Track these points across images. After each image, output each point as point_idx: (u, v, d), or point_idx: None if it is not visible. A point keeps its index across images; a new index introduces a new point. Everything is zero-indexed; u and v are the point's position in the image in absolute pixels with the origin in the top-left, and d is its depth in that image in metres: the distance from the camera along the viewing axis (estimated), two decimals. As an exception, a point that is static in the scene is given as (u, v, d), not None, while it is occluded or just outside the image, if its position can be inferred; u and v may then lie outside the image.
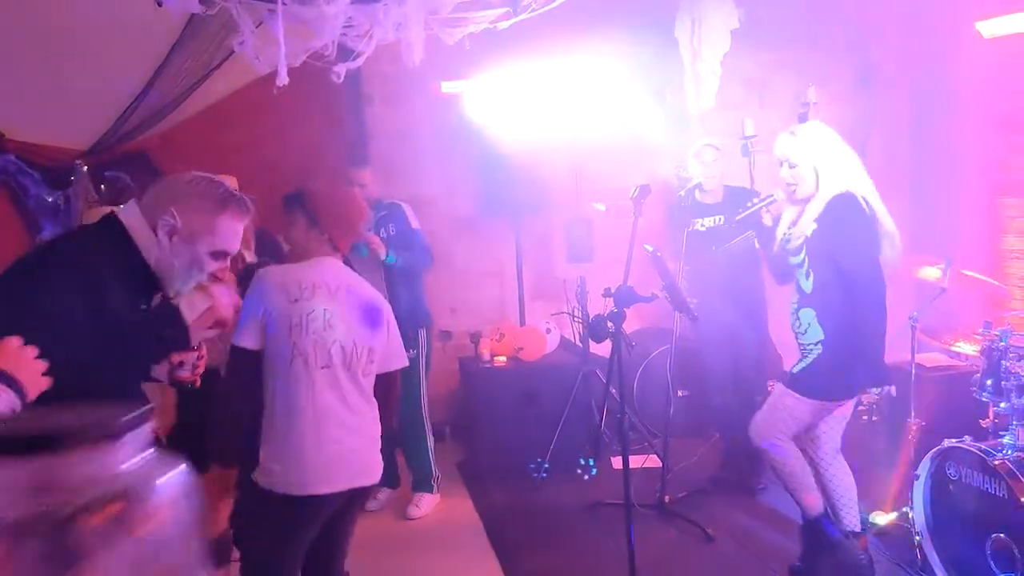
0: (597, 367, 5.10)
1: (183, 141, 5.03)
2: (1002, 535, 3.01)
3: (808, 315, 3.19)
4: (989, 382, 3.42)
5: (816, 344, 3.18)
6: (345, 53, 3.21)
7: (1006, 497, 2.98)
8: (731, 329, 4.43)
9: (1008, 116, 5.30)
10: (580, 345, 5.46)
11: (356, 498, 2.62)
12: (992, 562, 3.05)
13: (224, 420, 2.88)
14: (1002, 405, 3.30)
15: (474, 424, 5.12)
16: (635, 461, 4.02)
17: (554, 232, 5.45)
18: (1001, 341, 3.39)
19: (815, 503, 3.34)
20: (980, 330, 3.53)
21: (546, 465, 4.08)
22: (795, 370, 3.26)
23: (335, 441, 2.49)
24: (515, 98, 5.09)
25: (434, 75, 5.11)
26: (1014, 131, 5.26)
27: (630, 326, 5.45)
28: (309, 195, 2.65)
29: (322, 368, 2.50)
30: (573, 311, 5.60)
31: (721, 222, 4.45)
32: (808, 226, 3.14)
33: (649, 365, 5.41)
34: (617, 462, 4.98)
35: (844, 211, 3.08)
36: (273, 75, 3.04)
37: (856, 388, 3.31)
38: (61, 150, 4.66)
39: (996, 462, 3.02)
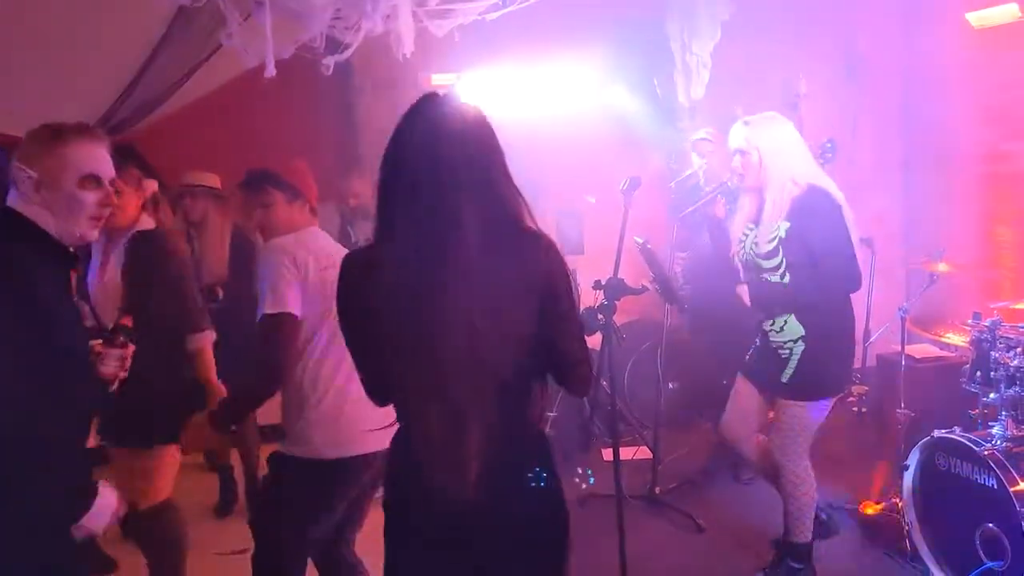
0: (588, 359, 5.09)
1: (172, 134, 5.00)
2: (991, 525, 3.02)
3: (784, 313, 3.18)
4: (978, 373, 3.44)
5: (796, 341, 3.15)
6: (334, 45, 3.20)
7: (995, 487, 3.00)
8: (726, 318, 4.43)
9: (998, 106, 5.31)
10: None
11: (377, 462, 2.58)
12: (981, 551, 3.06)
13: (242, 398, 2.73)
14: (991, 396, 3.32)
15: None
16: (626, 453, 4.03)
17: (544, 224, 5.43)
18: (990, 332, 3.41)
19: (810, 529, 3.32)
20: (969, 321, 3.55)
21: (591, 471, 4.07)
22: (785, 379, 3.20)
23: (365, 406, 2.40)
24: (505, 91, 5.08)
25: (424, 68, 5.09)
26: (1004, 121, 5.28)
27: (620, 318, 5.45)
28: (280, 171, 2.68)
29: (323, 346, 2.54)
30: (564, 304, 5.60)
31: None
32: (780, 226, 3.11)
33: (640, 357, 5.41)
34: (608, 454, 4.99)
35: (817, 206, 3.07)
36: (263, 68, 3.03)
37: (848, 377, 3.31)
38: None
39: (985, 452, 3.04)
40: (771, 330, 3.23)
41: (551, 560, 1.86)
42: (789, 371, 3.18)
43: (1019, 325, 3.46)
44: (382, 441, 2.39)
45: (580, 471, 4.08)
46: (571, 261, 5.33)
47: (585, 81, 5.16)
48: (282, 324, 2.47)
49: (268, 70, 2.93)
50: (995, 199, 5.40)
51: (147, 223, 3.02)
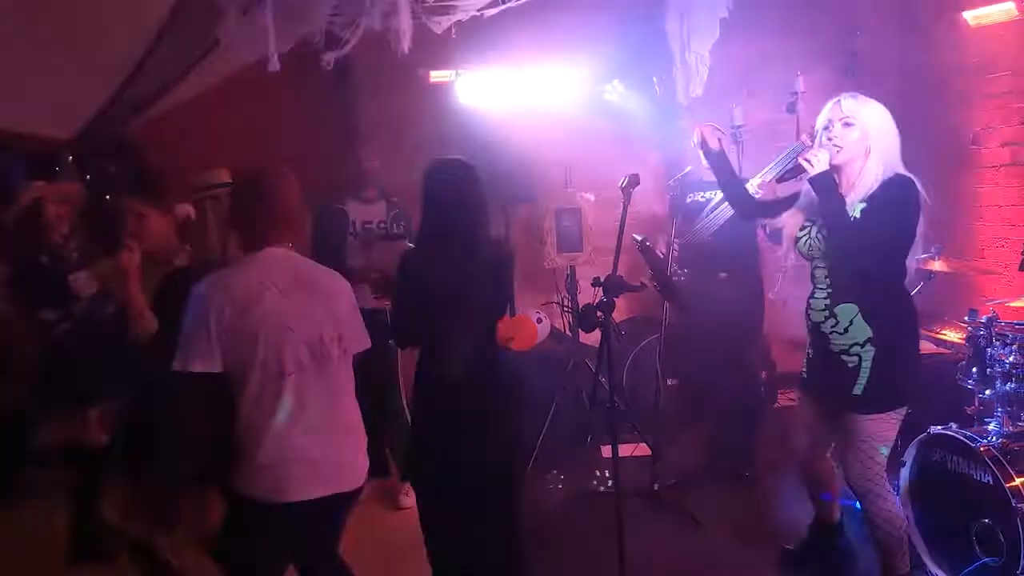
0: (587, 356, 5.11)
1: (171, 130, 5.00)
2: (987, 520, 3.04)
3: (848, 311, 2.91)
4: (974, 369, 3.46)
5: (863, 345, 2.89)
6: (333, 41, 3.20)
7: (991, 483, 3.01)
8: (726, 317, 4.44)
9: (993, 104, 5.33)
10: (570, 335, 5.47)
11: (338, 504, 2.48)
12: (977, 547, 3.08)
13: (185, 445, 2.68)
14: (987, 392, 3.34)
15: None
16: (625, 449, 4.04)
17: (543, 222, 5.45)
18: (986, 329, 3.42)
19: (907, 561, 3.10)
20: (966, 318, 3.56)
21: (608, 474, 4.01)
22: (859, 391, 2.90)
23: (308, 448, 2.36)
24: (504, 88, 5.08)
25: (422, 64, 5.10)
26: (1000, 119, 5.29)
27: (619, 316, 5.47)
28: (232, 191, 2.55)
29: (287, 375, 2.36)
30: (563, 301, 5.61)
31: (718, 195, 4.47)
32: (856, 207, 2.88)
33: (639, 354, 5.42)
34: (607, 450, 5.00)
35: (903, 193, 2.84)
36: (262, 64, 3.03)
37: (919, 385, 3.01)
38: (45, 139, 4.62)
39: (981, 448, 3.05)
40: (833, 331, 2.95)
41: (508, 409, 2.99)
42: (861, 381, 2.90)
43: (1015, 322, 3.47)
44: (329, 486, 2.40)
45: (598, 474, 4.05)
46: (570, 258, 5.40)
47: (583, 79, 5.16)
48: (181, 381, 2.33)
49: (271, 64, 2.93)
50: (992, 196, 5.41)
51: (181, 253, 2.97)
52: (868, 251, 2.83)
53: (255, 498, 2.35)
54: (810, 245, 3.03)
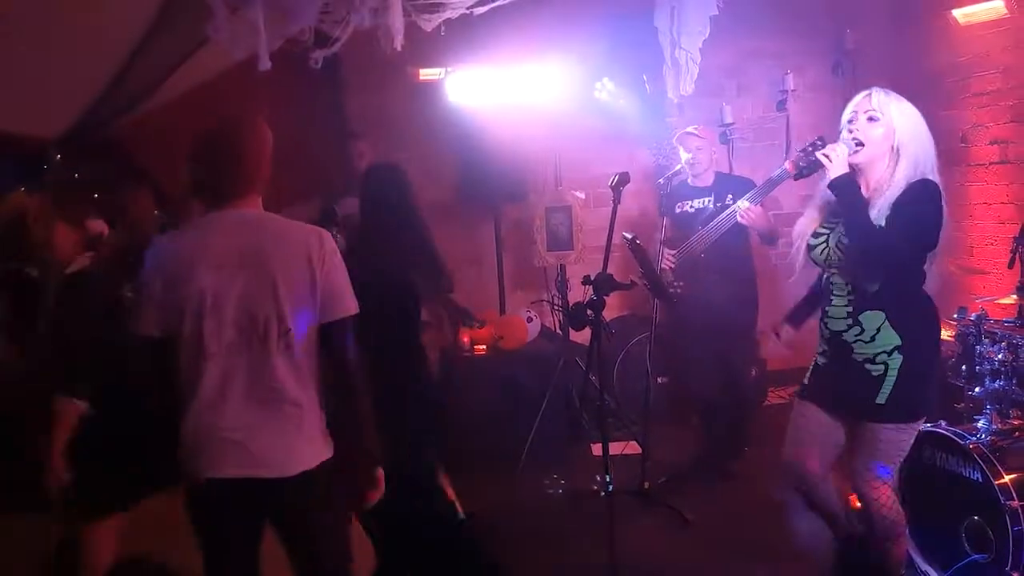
0: (577, 355, 5.11)
1: (159, 129, 4.96)
2: (976, 518, 3.05)
3: (875, 319, 2.74)
4: (964, 367, 3.47)
5: (891, 353, 2.72)
6: (322, 39, 3.18)
7: (980, 480, 3.02)
8: (718, 315, 4.44)
9: (984, 102, 5.35)
10: (560, 333, 5.47)
11: (266, 490, 2.25)
12: (967, 544, 3.09)
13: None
14: (976, 389, 3.35)
15: (454, 413, 5.11)
16: (615, 448, 4.03)
17: (533, 220, 5.45)
18: (976, 327, 3.44)
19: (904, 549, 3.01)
20: (955, 315, 3.58)
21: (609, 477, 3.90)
22: (882, 400, 2.73)
23: (228, 430, 2.22)
24: (494, 86, 5.07)
25: (412, 62, 5.08)
26: (989, 116, 5.31)
27: (610, 314, 5.47)
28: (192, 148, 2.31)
29: (210, 356, 2.19)
30: (553, 299, 5.61)
31: (709, 204, 4.47)
32: (882, 214, 2.69)
33: (629, 352, 5.43)
34: (597, 449, 5.00)
35: (929, 199, 2.68)
36: (251, 62, 3.01)
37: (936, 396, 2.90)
38: (32, 138, 4.58)
39: (971, 446, 3.06)
40: (858, 340, 2.76)
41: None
42: (886, 390, 2.73)
43: (1004, 320, 3.49)
44: (250, 469, 2.22)
45: (599, 478, 4.00)
46: (560, 257, 5.40)
47: (573, 77, 5.16)
48: (134, 343, 2.23)
49: (262, 63, 2.90)
50: (981, 194, 5.44)
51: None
52: (894, 259, 2.69)
53: (184, 474, 2.27)
54: (827, 256, 2.83)
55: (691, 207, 4.55)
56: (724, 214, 4.30)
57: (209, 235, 2.24)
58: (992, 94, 5.26)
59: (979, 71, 5.36)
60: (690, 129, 4.58)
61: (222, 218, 2.26)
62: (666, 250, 4.47)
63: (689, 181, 4.60)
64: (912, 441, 2.85)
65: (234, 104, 4.93)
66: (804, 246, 2.91)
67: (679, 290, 4.45)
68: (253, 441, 2.23)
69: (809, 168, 2.93)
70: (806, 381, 3.00)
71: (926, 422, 3.22)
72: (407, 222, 3.41)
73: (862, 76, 5.82)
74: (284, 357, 2.23)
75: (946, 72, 5.64)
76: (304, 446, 2.28)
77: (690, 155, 4.50)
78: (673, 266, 4.46)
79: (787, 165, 3.40)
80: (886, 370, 2.73)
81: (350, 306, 2.29)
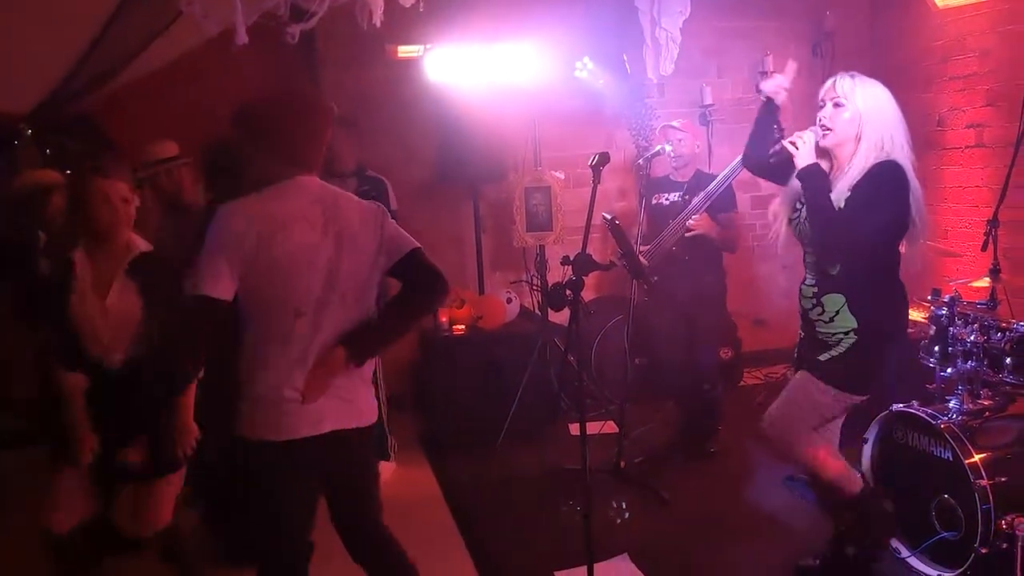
0: (556, 335, 5.12)
1: (131, 104, 4.89)
2: (946, 496, 3.10)
3: (835, 301, 2.86)
4: (936, 348, 3.51)
5: (847, 333, 2.84)
6: (298, 14, 3.13)
7: (951, 459, 3.07)
8: (687, 299, 4.47)
9: (961, 85, 5.38)
10: (539, 314, 5.48)
11: (348, 443, 2.38)
12: (937, 522, 3.14)
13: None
14: (948, 370, 3.39)
15: (433, 393, 5.11)
16: (592, 427, 4.04)
17: (512, 200, 5.43)
18: (949, 308, 3.47)
19: (857, 483, 3.07)
20: (929, 297, 3.61)
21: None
22: (822, 358, 2.89)
23: (296, 380, 2.28)
24: (473, 64, 5.03)
25: (390, 39, 5.02)
26: (967, 100, 5.35)
27: (588, 294, 5.48)
28: (247, 113, 2.34)
29: (302, 313, 2.27)
30: (532, 279, 5.61)
31: (679, 198, 4.51)
32: (842, 196, 2.77)
33: (607, 333, 5.44)
34: (575, 428, 5.02)
35: (888, 179, 2.74)
36: (225, 37, 2.96)
37: (881, 380, 2.96)
38: (2, 114, 4.49)
39: (942, 425, 3.10)
40: (819, 320, 2.91)
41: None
42: (828, 354, 2.88)
43: (977, 302, 3.53)
44: (328, 424, 2.32)
45: (614, 505, 3.97)
46: (539, 237, 5.39)
47: (553, 56, 5.12)
48: (195, 305, 2.21)
49: (239, 37, 2.85)
50: (956, 177, 5.48)
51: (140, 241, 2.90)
52: (853, 242, 2.75)
53: (257, 438, 2.29)
54: (800, 230, 2.94)
55: (666, 199, 4.61)
56: (680, 216, 4.34)
57: (296, 199, 2.31)
58: (969, 78, 5.30)
59: (956, 55, 5.39)
60: (673, 123, 4.59)
61: (301, 184, 2.34)
62: (641, 246, 4.48)
63: (671, 174, 4.63)
64: (835, 412, 2.95)
65: (209, 79, 4.87)
66: (781, 226, 3.01)
67: (655, 286, 4.48)
68: (344, 394, 2.33)
69: (777, 155, 2.98)
70: (795, 353, 3.16)
71: (896, 403, 3.30)
72: None
73: (841, 58, 5.85)
74: (355, 311, 2.35)
75: (923, 55, 5.67)
76: (370, 397, 2.45)
77: (671, 147, 4.51)
78: (646, 262, 4.47)
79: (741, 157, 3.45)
80: (836, 344, 2.88)
81: (412, 242, 2.41)
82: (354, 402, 2.39)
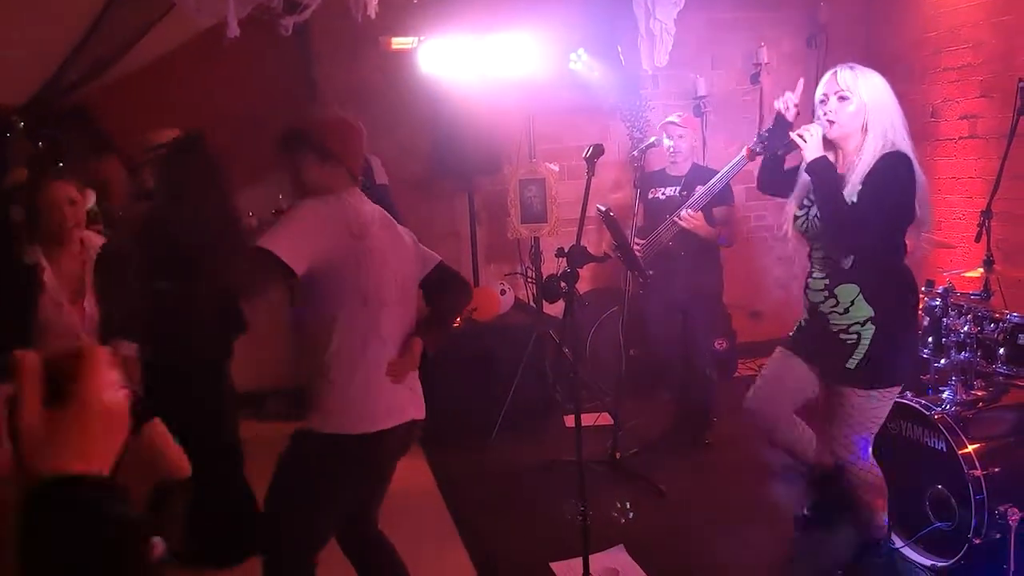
0: (550, 327, 5.12)
1: (125, 96, 4.86)
2: (940, 486, 3.11)
3: (849, 292, 2.85)
4: (930, 339, 3.52)
5: (863, 324, 2.83)
6: (292, 6, 3.12)
7: (944, 450, 3.08)
8: (683, 293, 4.47)
9: (956, 76, 5.39)
10: (533, 306, 5.48)
11: (414, 431, 2.56)
12: (930, 512, 3.15)
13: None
14: (942, 361, 3.40)
15: (428, 386, 5.10)
16: (587, 419, 4.05)
17: (507, 193, 5.43)
18: (943, 299, 3.48)
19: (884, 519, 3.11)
20: (923, 288, 3.62)
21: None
22: (852, 364, 2.85)
23: (380, 374, 2.45)
24: (467, 56, 5.01)
25: (383, 31, 5.01)
26: (962, 90, 5.35)
27: (583, 286, 5.48)
28: (315, 129, 2.47)
29: (382, 308, 2.42)
30: (526, 272, 5.61)
31: (676, 192, 4.51)
32: (855, 189, 2.77)
33: (602, 325, 5.45)
34: (570, 420, 5.03)
35: (897, 170, 2.75)
36: (218, 29, 2.95)
37: (918, 367, 2.99)
38: (-6, 106, 4.47)
39: (935, 416, 3.11)
40: (832, 312, 2.89)
41: None
42: (857, 357, 2.85)
43: (970, 293, 3.54)
44: (407, 414, 2.50)
45: (619, 505, 3.96)
46: (534, 229, 5.39)
47: (548, 47, 5.11)
48: (266, 263, 2.24)
49: (230, 29, 2.84)
50: (949, 169, 5.49)
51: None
52: (866, 234, 2.75)
53: (348, 432, 2.38)
54: (807, 226, 2.93)
55: (662, 194, 4.59)
56: (675, 213, 4.33)
57: (360, 204, 2.47)
58: (962, 69, 5.30)
59: (950, 46, 5.39)
60: (672, 118, 4.58)
61: (359, 193, 2.51)
62: (636, 239, 4.48)
63: (667, 168, 4.63)
64: (886, 411, 2.94)
65: (202, 73, 4.86)
66: (791, 224, 3.01)
67: (649, 279, 4.48)
68: (413, 385, 2.56)
69: (786, 147, 2.99)
70: (790, 335, 3.15)
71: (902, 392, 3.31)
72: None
73: (835, 50, 5.85)
74: (409, 312, 2.56)
75: (917, 46, 5.67)
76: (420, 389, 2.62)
77: (672, 143, 4.51)
78: (642, 255, 4.47)
79: (744, 152, 3.45)
80: (859, 339, 2.85)
81: (435, 255, 2.69)
82: (419, 393, 2.59)
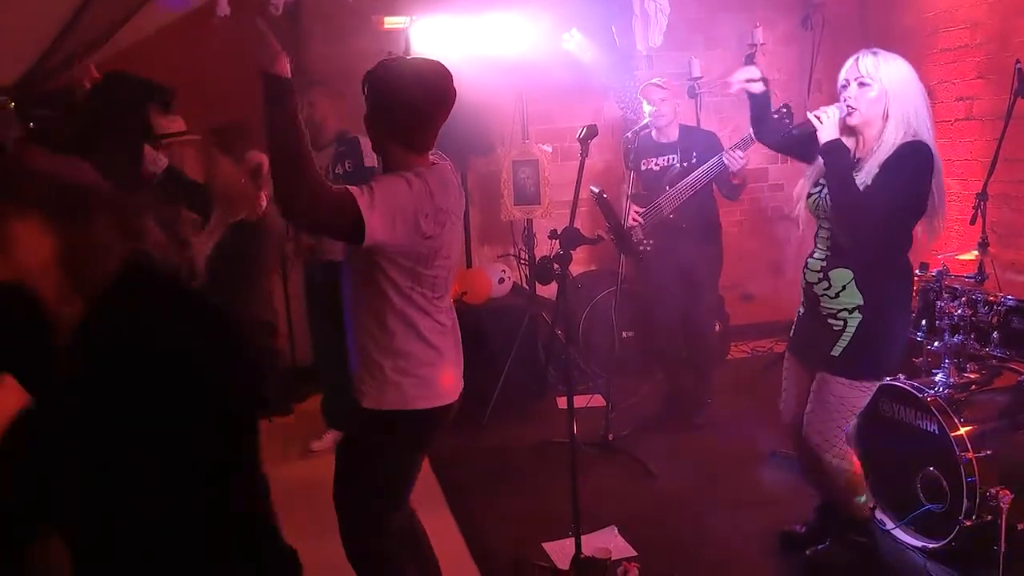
0: (543, 309, 5.11)
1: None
2: (932, 469, 3.12)
3: (843, 276, 2.84)
4: (923, 322, 3.52)
5: (852, 311, 2.82)
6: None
7: (936, 432, 3.09)
8: (684, 271, 4.46)
9: (953, 56, 5.36)
10: (527, 287, 5.47)
11: (452, 411, 2.56)
12: (922, 494, 3.16)
13: None
14: (935, 344, 3.40)
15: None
16: (580, 401, 4.06)
17: (500, 174, 5.40)
18: (936, 282, 3.48)
19: (866, 510, 3.14)
20: (916, 271, 3.61)
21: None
22: (836, 352, 2.86)
23: (446, 352, 2.46)
24: (460, 35, 4.97)
25: (375, 9, 4.96)
26: (958, 71, 5.33)
27: (576, 268, 5.47)
28: (398, 106, 2.48)
29: (437, 298, 2.42)
30: (519, 253, 5.59)
31: (675, 162, 4.46)
32: (870, 175, 2.74)
33: (595, 307, 5.44)
34: (562, 402, 5.03)
35: (914, 159, 2.71)
36: (208, 8, 2.92)
37: (900, 359, 2.96)
38: (-19, 86, 4.41)
39: (928, 399, 3.12)
40: (824, 294, 2.89)
41: None
42: (841, 344, 2.85)
43: (965, 275, 3.54)
44: (456, 392, 2.51)
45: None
46: (527, 211, 5.36)
47: (541, 27, 5.07)
48: (346, 197, 2.16)
49: (221, 8, 2.81)
50: (945, 151, 5.47)
51: None
52: (872, 220, 2.72)
53: (415, 408, 2.40)
54: (818, 204, 2.90)
55: (656, 165, 4.53)
56: (703, 168, 4.29)
57: (444, 185, 2.42)
58: (959, 50, 5.28)
59: (946, 27, 5.36)
60: (655, 80, 4.53)
61: (438, 168, 2.47)
62: (634, 207, 4.45)
63: (653, 136, 4.56)
64: (864, 402, 2.94)
65: (192, 52, 4.80)
66: (803, 204, 2.99)
67: (648, 248, 4.45)
68: (459, 364, 2.54)
69: (801, 128, 2.95)
70: (791, 333, 3.16)
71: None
72: None
73: (830, 30, 5.81)
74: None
75: (913, 27, 5.64)
76: None
77: (654, 107, 4.45)
78: (642, 223, 4.46)
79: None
80: (844, 326, 2.85)
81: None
82: (460, 377, 2.56)
